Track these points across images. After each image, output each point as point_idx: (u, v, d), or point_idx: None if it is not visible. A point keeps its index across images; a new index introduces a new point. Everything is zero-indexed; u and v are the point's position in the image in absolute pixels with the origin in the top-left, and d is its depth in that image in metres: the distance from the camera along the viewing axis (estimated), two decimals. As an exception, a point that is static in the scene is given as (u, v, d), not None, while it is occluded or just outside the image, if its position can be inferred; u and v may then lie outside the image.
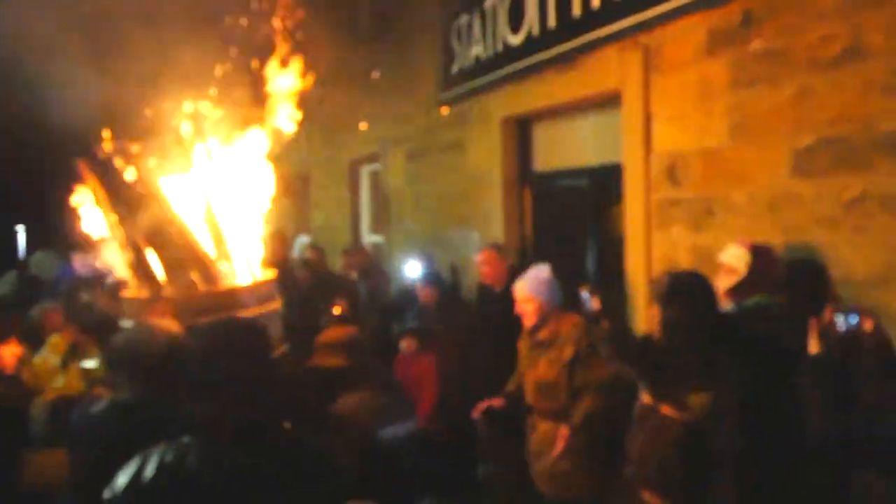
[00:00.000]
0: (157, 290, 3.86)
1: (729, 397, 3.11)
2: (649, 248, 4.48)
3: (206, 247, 4.12)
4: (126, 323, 3.70)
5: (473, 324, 5.92)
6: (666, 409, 3.27)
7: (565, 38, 5.13)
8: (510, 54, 5.86)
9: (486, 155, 6.52)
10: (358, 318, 5.62)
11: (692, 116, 4.15)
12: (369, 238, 10.03)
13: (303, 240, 11.54)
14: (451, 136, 7.18)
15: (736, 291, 3.30)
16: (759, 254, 3.25)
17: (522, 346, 4.28)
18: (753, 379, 3.08)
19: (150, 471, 1.95)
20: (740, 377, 3.11)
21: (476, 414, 4.33)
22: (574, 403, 3.93)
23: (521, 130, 6.22)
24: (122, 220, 3.86)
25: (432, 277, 5.92)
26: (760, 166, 3.72)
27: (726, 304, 3.38)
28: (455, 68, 6.85)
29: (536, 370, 4.11)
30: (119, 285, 6.07)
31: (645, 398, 3.44)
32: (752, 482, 3.00)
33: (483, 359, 5.44)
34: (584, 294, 3.55)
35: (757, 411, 3.06)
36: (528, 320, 4.11)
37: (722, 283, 3.32)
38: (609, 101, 4.97)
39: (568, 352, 3.95)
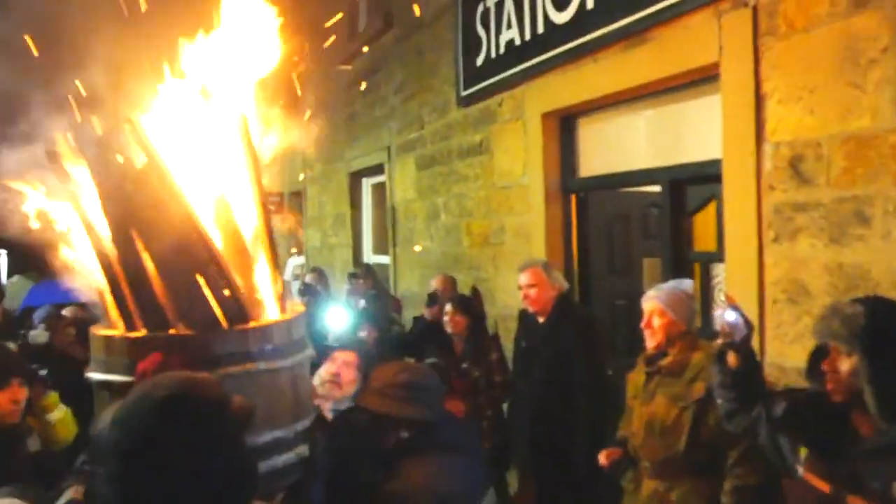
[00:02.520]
0: (160, 326, 2.44)
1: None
2: (761, 269, 3.40)
3: (231, 264, 2.61)
4: (98, 374, 2.46)
5: (507, 364, 4.87)
6: (858, 503, 2.19)
7: (633, 8, 4.10)
8: (555, 35, 4.83)
9: (519, 158, 5.46)
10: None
11: (829, 91, 3.11)
12: (372, 259, 8.93)
13: (297, 261, 10.46)
14: (474, 139, 6.13)
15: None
16: None
17: (635, 377, 3.40)
18: None
19: None
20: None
21: (606, 463, 3.46)
22: (721, 477, 2.99)
23: (565, 128, 5.17)
24: (112, 218, 2.38)
25: (464, 302, 4.83)
26: (950, 152, 2.67)
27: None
28: (480, 59, 5.81)
29: (650, 405, 3.20)
30: (85, 317, 4.89)
31: (816, 482, 2.35)
32: None
33: (525, 405, 4.38)
34: (727, 313, 2.51)
35: None
36: (654, 338, 3.25)
37: None
38: (696, 83, 3.94)
39: (698, 388, 3.05)
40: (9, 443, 3.10)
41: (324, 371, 3.07)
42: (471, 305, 4.90)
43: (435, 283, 5.87)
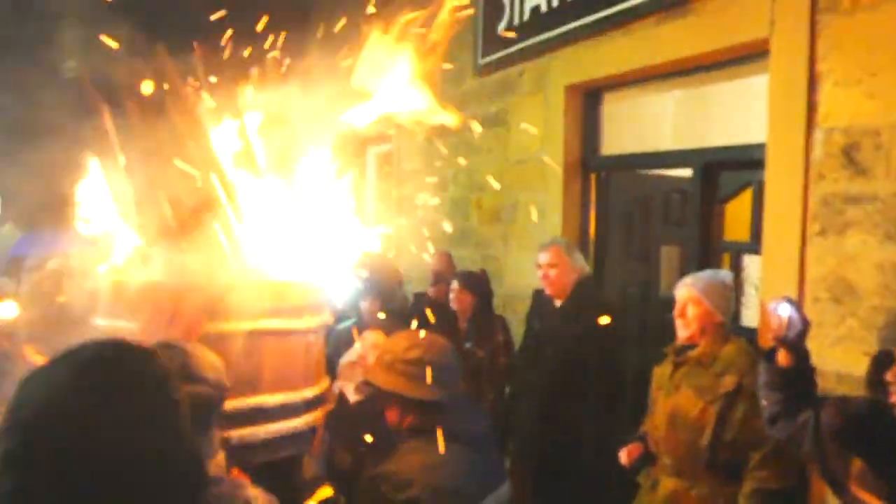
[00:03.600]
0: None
1: None
2: (802, 264, 3.17)
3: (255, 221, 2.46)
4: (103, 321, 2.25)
5: (513, 346, 4.64)
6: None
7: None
8: (584, 3, 4.53)
9: (538, 133, 5.18)
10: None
11: (893, 75, 2.85)
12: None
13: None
14: (489, 110, 5.84)
15: None
16: None
17: (661, 369, 3.21)
18: None
19: None
20: None
21: (628, 462, 3.26)
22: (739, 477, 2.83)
23: (589, 102, 4.89)
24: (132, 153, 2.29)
25: (471, 279, 4.59)
26: None
27: None
28: (502, 25, 5.51)
29: (675, 397, 3.01)
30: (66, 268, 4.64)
31: (870, 500, 2.14)
32: None
33: (531, 392, 4.15)
34: (781, 306, 2.29)
35: None
36: (687, 328, 3.05)
37: None
38: (739, 60, 3.67)
39: (728, 382, 2.87)
40: None
41: (352, 352, 2.87)
42: (478, 283, 4.66)
43: (433, 262, 5.62)
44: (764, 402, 2.44)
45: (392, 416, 2.33)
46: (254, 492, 1.41)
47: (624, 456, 3.23)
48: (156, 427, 1.12)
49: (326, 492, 2.30)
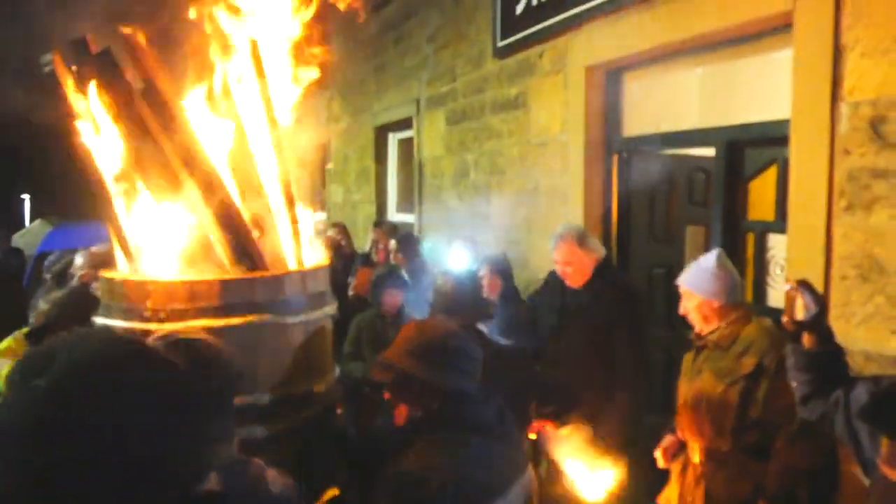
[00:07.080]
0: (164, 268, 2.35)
1: None
2: (829, 241, 3.09)
3: (245, 210, 2.35)
4: (100, 319, 2.25)
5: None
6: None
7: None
8: (604, -20, 4.46)
9: (558, 114, 5.13)
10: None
11: (923, 44, 2.76)
12: (395, 217, 8.66)
13: (318, 216, 10.21)
14: (509, 93, 5.79)
15: None
16: None
17: (688, 355, 3.19)
18: None
19: None
20: None
21: (666, 460, 3.22)
22: (764, 462, 2.79)
23: (610, 82, 4.82)
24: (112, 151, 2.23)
25: (501, 264, 4.56)
26: None
27: None
28: (520, 6, 5.44)
29: (697, 381, 3.00)
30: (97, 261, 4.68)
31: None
32: None
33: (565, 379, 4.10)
34: (793, 289, 2.25)
35: None
36: (693, 321, 3.08)
37: None
38: (763, 34, 3.58)
39: (748, 363, 2.84)
40: None
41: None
42: (506, 267, 4.62)
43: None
44: (794, 384, 2.40)
45: (408, 407, 2.27)
46: (272, 473, 1.43)
47: (660, 458, 3.20)
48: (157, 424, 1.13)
49: (333, 492, 2.26)
